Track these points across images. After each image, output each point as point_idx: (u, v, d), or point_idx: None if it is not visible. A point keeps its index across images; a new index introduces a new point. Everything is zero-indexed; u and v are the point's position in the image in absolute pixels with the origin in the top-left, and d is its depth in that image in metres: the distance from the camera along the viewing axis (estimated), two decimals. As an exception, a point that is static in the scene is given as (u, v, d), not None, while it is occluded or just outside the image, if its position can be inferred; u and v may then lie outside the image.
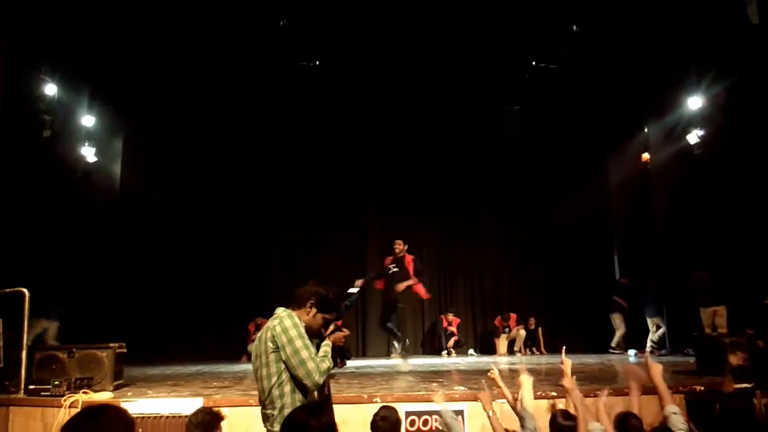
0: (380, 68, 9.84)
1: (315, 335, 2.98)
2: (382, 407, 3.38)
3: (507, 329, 11.32)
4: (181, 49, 8.92)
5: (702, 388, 4.85)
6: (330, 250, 11.48)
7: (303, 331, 2.84)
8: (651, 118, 10.40)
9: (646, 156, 10.71)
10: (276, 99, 10.34)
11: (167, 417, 4.61)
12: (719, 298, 8.21)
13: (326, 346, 2.93)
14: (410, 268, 8.05)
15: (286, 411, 2.71)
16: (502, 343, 11.35)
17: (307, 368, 2.74)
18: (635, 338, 10.17)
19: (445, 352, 11.03)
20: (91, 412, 1.75)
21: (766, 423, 3.77)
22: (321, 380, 2.79)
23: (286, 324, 2.82)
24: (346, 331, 3.08)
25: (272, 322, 2.86)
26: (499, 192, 11.94)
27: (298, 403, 2.76)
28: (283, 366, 2.78)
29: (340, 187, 11.66)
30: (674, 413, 2.89)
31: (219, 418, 3.19)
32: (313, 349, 2.82)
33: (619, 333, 10.52)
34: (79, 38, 8.16)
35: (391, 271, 8.06)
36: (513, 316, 11.36)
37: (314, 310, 2.96)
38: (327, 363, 2.83)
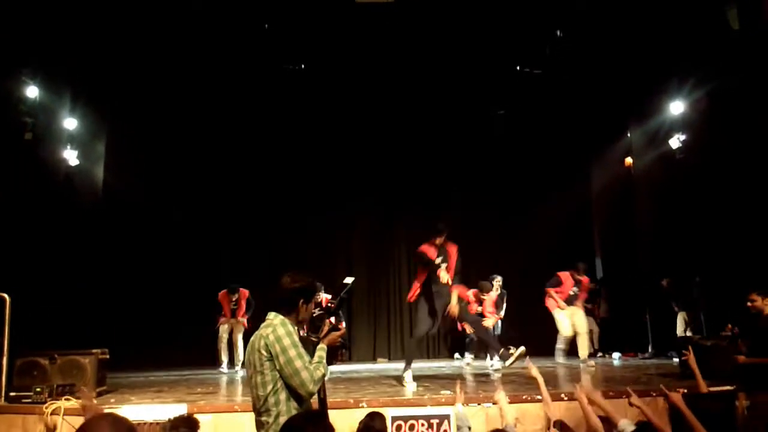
0: (366, 72, 9.87)
1: (306, 323, 3.03)
2: (368, 414, 3.38)
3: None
4: (165, 51, 8.84)
5: (685, 391, 4.89)
6: (317, 247, 11.50)
7: (297, 339, 2.83)
8: (634, 122, 10.50)
9: (629, 160, 10.81)
10: (262, 99, 10.27)
11: (150, 423, 4.56)
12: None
13: (321, 351, 2.93)
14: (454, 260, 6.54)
15: (282, 419, 2.71)
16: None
17: (301, 378, 2.75)
18: (617, 341, 10.26)
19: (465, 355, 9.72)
20: (91, 423, 1.69)
21: (748, 426, 3.82)
22: (315, 389, 2.80)
23: (280, 332, 2.81)
24: (342, 330, 3.10)
25: (265, 330, 2.85)
26: (482, 195, 11.93)
27: (294, 411, 2.76)
28: (278, 374, 2.78)
29: (328, 186, 11.66)
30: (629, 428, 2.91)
31: (195, 422, 3.19)
32: (307, 358, 2.81)
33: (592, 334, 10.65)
34: (62, 40, 8.05)
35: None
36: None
37: (305, 306, 2.98)
38: (321, 370, 2.84)
